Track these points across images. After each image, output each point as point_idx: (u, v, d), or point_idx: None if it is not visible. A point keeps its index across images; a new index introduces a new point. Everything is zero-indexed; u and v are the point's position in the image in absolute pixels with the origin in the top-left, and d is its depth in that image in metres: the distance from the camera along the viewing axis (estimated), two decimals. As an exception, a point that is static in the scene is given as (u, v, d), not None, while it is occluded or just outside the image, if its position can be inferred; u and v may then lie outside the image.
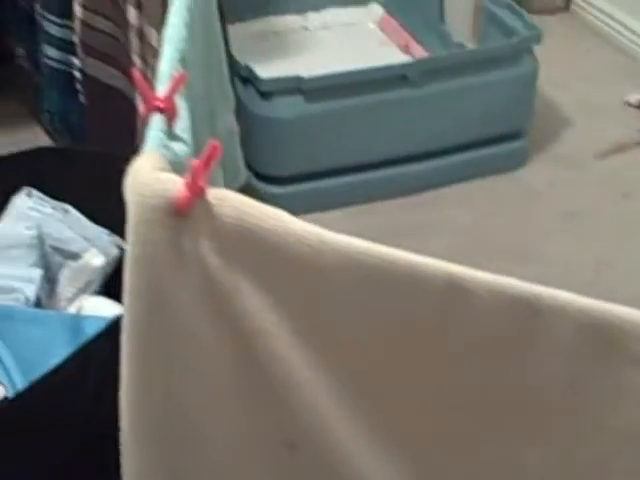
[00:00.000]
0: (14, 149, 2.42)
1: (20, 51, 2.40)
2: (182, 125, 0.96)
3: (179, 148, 0.93)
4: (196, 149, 1.10)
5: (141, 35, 1.66)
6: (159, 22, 1.55)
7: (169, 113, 0.94)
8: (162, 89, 0.97)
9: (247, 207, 0.81)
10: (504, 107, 2.35)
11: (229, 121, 1.44)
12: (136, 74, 0.92)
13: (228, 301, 0.83)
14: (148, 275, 0.84)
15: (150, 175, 0.83)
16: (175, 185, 0.82)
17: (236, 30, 2.74)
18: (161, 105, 0.93)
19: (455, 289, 0.79)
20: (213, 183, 1.19)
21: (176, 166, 0.92)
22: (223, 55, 1.40)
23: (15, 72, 2.52)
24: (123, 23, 1.72)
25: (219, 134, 1.38)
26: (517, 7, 2.46)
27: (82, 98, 1.98)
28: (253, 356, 0.85)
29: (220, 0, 1.45)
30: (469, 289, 0.79)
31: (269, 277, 0.82)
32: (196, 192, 0.81)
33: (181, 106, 0.97)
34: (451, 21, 2.73)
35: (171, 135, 0.94)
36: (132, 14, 1.66)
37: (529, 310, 0.79)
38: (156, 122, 0.92)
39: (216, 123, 1.33)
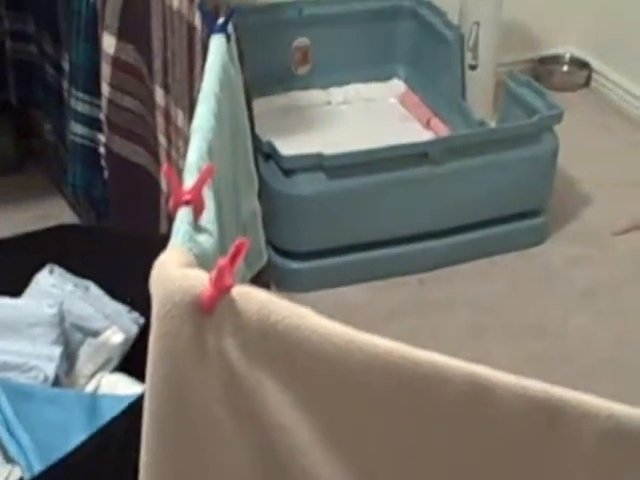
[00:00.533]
0: (39, 222, 2.47)
1: (47, 126, 2.44)
2: (208, 217, 0.98)
3: (205, 240, 0.94)
4: (222, 238, 1.11)
5: (167, 115, 1.68)
6: (185, 103, 1.58)
7: (196, 205, 0.95)
8: (190, 181, 0.99)
9: (271, 304, 0.82)
10: (524, 185, 2.37)
11: (253, 203, 1.46)
12: (166, 168, 0.94)
13: (249, 396, 0.83)
14: (170, 368, 0.84)
15: (176, 271, 0.85)
16: (201, 281, 0.83)
17: (259, 104, 2.76)
18: (188, 198, 0.94)
19: (479, 390, 0.79)
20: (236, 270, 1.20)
21: (202, 258, 0.93)
22: (249, 136, 1.42)
23: (42, 146, 2.56)
24: (149, 103, 1.75)
25: (243, 216, 1.40)
26: (538, 85, 2.48)
27: (106, 174, 2.00)
28: (273, 450, 0.85)
29: (246, 80, 1.47)
30: (493, 390, 0.79)
31: (292, 374, 0.83)
32: (221, 289, 0.82)
33: (207, 197, 0.99)
34: (472, 98, 2.75)
35: (197, 227, 0.95)
36: (159, 94, 1.69)
37: (553, 413, 0.79)
38: (183, 215, 0.93)
39: (241, 205, 1.35)
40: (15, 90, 2.53)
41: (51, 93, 2.32)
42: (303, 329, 0.81)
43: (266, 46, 2.78)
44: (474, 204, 2.33)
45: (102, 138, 1.99)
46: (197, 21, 1.48)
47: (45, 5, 2.20)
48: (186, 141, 1.61)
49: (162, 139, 1.73)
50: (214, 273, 0.82)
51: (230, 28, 1.31)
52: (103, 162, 2.01)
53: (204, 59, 1.46)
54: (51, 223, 2.46)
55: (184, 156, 1.63)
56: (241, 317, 0.82)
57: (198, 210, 0.96)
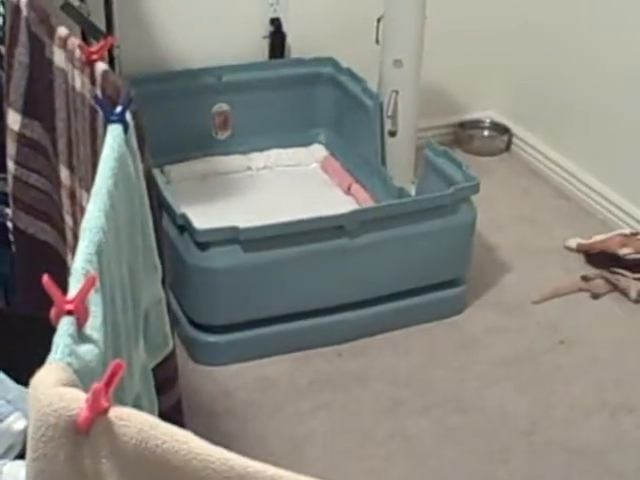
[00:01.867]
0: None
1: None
2: (93, 324, 0.95)
3: (88, 351, 0.92)
4: (114, 339, 1.09)
5: (72, 195, 1.65)
6: (90, 185, 1.54)
7: (79, 314, 0.93)
8: (75, 288, 0.96)
9: (151, 428, 0.79)
10: (442, 255, 2.37)
11: (156, 290, 1.43)
12: (45, 279, 0.92)
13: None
14: (47, 491, 0.82)
15: (51, 391, 0.82)
16: (77, 402, 0.81)
17: (178, 170, 2.76)
18: (71, 308, 0.92)
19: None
20: (127, 354, 1.17)
21: (85, 372, 0.90)
22: (150, 225, 1.39)
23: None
24: (55, 181, 1.72)
25: (145, 305, 1.37)
26: (455, 156, 2.49)
27: (14, 249, 1.95)
28: None
29: (149, 167, 1.44)
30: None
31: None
32: (97, 411, 0.80)
33: (94, 303, 0.96)
34: (392, 164, 2.76)
35: (81, 336, 0.93)
36: (64, 174, 1.66)
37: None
38: (63, 326, 0.91)
39: (141, 296, 1.32)
40: None
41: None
42: (183, 453, 0.79)
43: (186, 111, 2.77)
44: (392, 275, 2.33)
45: (9, 212, 1.94)
46: (95, 103, 1.45)
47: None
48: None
49: (68, 219, 1.70)
50: (89, 395, 0.79)
51: (128, 116, 1.29)
52: (11, 237, 1.96)
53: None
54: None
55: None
56: (118, 440, 0.80)
57: (82, 318, 0.93)
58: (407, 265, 2.33)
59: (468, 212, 2.39)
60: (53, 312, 0.92)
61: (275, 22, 2.87)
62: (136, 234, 1.30)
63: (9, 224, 1.96)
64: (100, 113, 1.44)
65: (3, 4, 1.77)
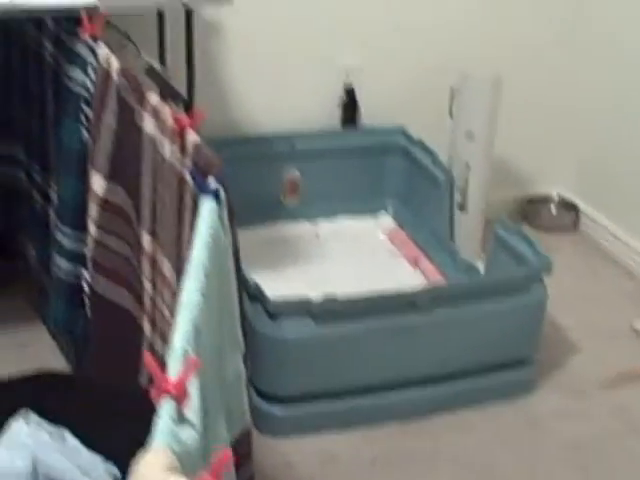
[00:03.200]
0: (15, 350, 2.42)
1: (31, 252, 2.40)
2: (193, 406, 0.94)
3: (188, 436, 0.90)
4: (206, 422, 1.07)
5: (153, 262, 1.65)
6: (172, 253, 1.55)
7: (180, 396, 0.92)
8: (174, 368, 0.95)
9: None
10: (511, 335, 2.33)
11: (238, 365, 1.41)
12: (147, 357, 0.91)
13: None
14: None
15: (159, 475, 0.81)
16: (183, 491, 0.79)
17: (246, 236, 2.75)
18: (172, 390, 0.91)
19: None
20: (214, 432, 1.15)
21: (185, 456, 0.89)
22: (236, 299, 1.38)
23: (25, 270, 2.52)
24: (136, 246, 1.72)
25: (228, 380, 1.36)
26: (527, 234, 2.46)
27: (89, 312, 1.96)
28: None
29: (236, 241, 1.44)
30: None
31: None
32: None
33: (193, 386, 0.95)
34: (460, 238, 2.74)
35: (181, 419, 0.91)
36: (146, 240, 1.66)
37: None
38: (166, 409, 0.89)
39: (225, 373, 1.31)
40: (1, 214, 2.51)
41: (37, 220, 2.29)
42: None
43: (257, 177, 2.78)
44: (460, 352, 2.29)
45: (86, 275, 1.95)
46: (189, 175, 1.46)
47: (36, 137, 2.19)
48: (171, 290, 1.58)
49: (147, 285, 1.70)
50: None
51: (221, 191, 1.29)
52: (86, 299, 1.97)
53: (194, 213, 1.44)
54: (28, 351, 2.43)
55: (169, 305, 1.60)
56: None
57: (183, 400, 0.92)
58: (476, 343, 2.30)
59: (539, 291, 2.35)
60: (154, 391, 0.91)
61: (349, 92, 2.88)
62: (224, 309, 1.29)
63: (85, 285, 1.97)
64: (189, 183, 1.45)
65: (94, 69, 1.79)
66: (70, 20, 1.89)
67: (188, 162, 1.45)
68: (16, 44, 2.24)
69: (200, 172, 1.34)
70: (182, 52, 2.26)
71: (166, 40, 2.41)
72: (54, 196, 2.13)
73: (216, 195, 1.27)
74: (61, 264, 2.00)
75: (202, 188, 1.27)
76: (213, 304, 1.17)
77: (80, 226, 1.92)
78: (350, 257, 2.82)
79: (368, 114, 2.92)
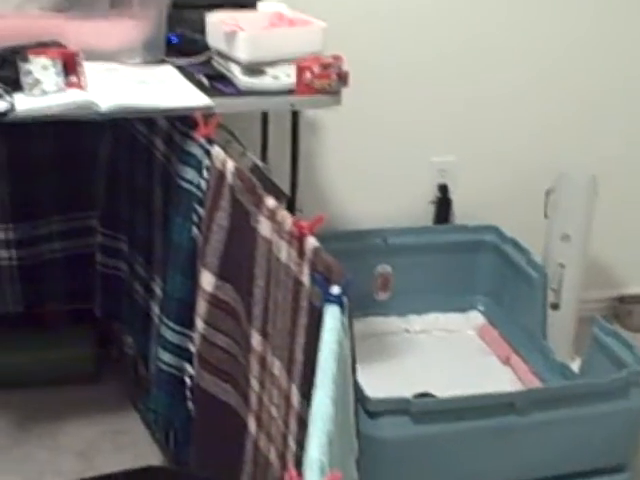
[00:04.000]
0: (109, 438, 2.45)
1: (128, 340, 2.45)
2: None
3: None
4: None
5: (263, 361, 1.67)
6: (284, 355, 1.57)
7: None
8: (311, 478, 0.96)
9: None
10: (609, 440, 2.29)
11: (353, 472, 1.42)
12: (292, 473, 0.92)
13: None
14: None
15: None
16: None
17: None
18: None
19: None
20: None
21: None
22: (352, 403, 1.39)
23: (120, 358, 2.57)
24: (244, 344, 1.74)
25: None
26: (625, 337, 2.44)
27: (190, 406, 1.98)
28: None
29: (353, 346, 1.45)
30: None
31: None
32: None
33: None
34: (553, 337, 2.72)
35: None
36: (256, 339, 1.68)
37: None
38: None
39: (346, 475, 1.31)
40: (101, 302, 2.56)
41: (137, 311, 2.34)
42: None
43: (350, 271, 2.79)
44: (557, 456, 2.26)
45: (189, 369, 1.98)
46: (305, 278, 1.48)
47: (141, 231, 2.24)
48: (281, 390, 1.60)
49: (254, 383, 1.71)
50: None
51: (344, 299, 1.31)
52: (188, 393, 1.99)
53: (309, 316, 1.46)
54: (122, 439, 2.46)
55: (277, 404, 1.61)
56: None
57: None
58: (572, 447, 2.26)
59: (638, 396, 2.32)
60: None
61: (443, 188, 2.91)
62: (345, 414, 1.30)
63: (187, 380, 2.00)
64: (306, 287, 1.47)
65: (208, 170, 1.84)
66: (184, 120, 1.94)
67: (305, 266, 1.48)
68: (125, 139, 2.31)
69: (323, 279, 1.36)
70: (281, 147, 2.31)
71: (269, 138, 2.47)
72: (158, 290, 2.17)
73: (339, 302, 1.29)
74: (164, 357, 2.03)
75: (326, 295, 1.29)
76: (339, 411, 1.19)
77: (186, 321, 1.95)
78: (440, 353, 2.81)
79: (461, 211, 2.94)
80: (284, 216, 1.56)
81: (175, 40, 2.19)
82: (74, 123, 1.88)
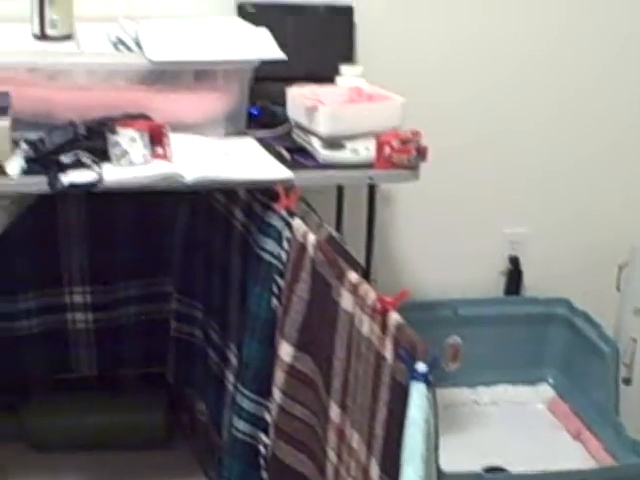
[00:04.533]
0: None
1: (201, 406, 2.47)
2: None
3: None
4: None
5: (341, 434, 1.67)
6: (364, 428, 1.57)
7: None
8: None
9: None
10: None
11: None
12: None
13: None
14: None
15: None
16: None
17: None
18: None
19: None
20: None
21: None
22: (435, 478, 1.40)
23: (191, 423, 2.59)
24: (322, 416, 1.75)
25: None
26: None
27: (264, 475, 1.99)
28: None
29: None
30: None
31: None
32: None
33: None
34: (625, 413, 2.69)
35: None
36: (334, 412, 1.69)
37: None
38: None
39: None
40: (174, 368, 2.59)
41: (210, 378, 2.36)
42: None
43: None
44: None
45: (264, 438, 1.99)
46: (388, 353, 1.49)
47: (217, 299, 2.27)
48: (360, 463, 1.60)
49: (332, 455, 1.72)
50: None
51: (430, 376, 1.32)
52: (262, 462, 2.00)
53: (392, 391, 1.47)
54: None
55: (354, 477, 1.62)
56: None
57: None
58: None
59: None
60: None
61: (514, 260, 2.92)
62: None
63: (261, 449, 2.01)
64: (388, 362, 1.48)
65: (288, 241, 1.87)
66: (264, 192, 1.98)
67: (388, 341, 1.49)
68: (203, 208, 2.35)
69: (408, 355, 1.37)
70: (355, 218, 2.34)
71: (344, 208, 2.50)
72: (232, 357, 2.19)
73: (426, 379, 1.30)
74: (239, 425, 2.04)
75: (412, 372, 1.30)
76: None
77: (262, 390, 1.97)
78: (509, 426, 2.79)
79: (532, 283, 2.94)
80: (366, 290, 1.57)
81: (255, 112, 2.24)
82: (154, 191, 1.93)
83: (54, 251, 2.55)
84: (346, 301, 1.64)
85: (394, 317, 1.49)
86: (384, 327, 1.51)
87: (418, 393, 1.27)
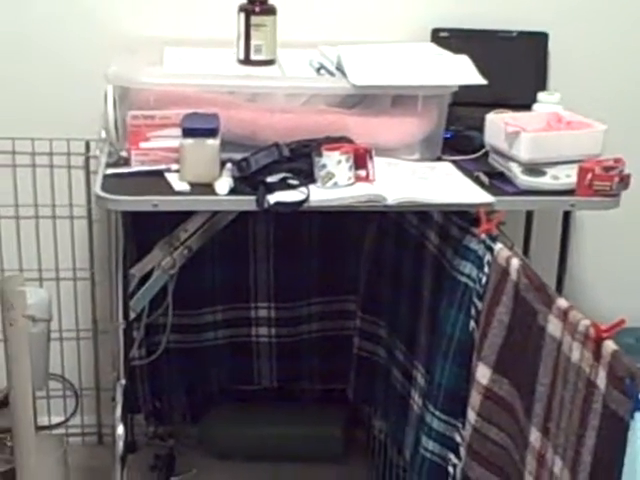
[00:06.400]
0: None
1: (378, 424, 2.50)
2: None
3: None
4: None
5: (541, 459, 1.68)
6: (569, 455, 1.57)
7: None
8: None
9: None
10: None
11: None
12: None
13: None
14: None
15: None
16: None
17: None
18: None
19: None
20: None
21: None
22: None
23: (367, 440, 2.63)
24: (520, 440, 1.76)
25: None
26: None
27: (455, 495, 2.01)
28: None
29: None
30: None
31: None
32: None
33: None
34: None
35: None
36: (534, 436, 1.70)
37: None
38: None
39: None
40: (354, 385, 2.64)
41: (393, 397, 2.39)
42: None
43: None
44: None
45: (454, 458, 2.01)
46: (600, 381, 1.49)
47: (404, 318, 2.30)
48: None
49: (529, 479, 1.72)
50: None
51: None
52: (451, 483, 2.02)
53: (602, 420, 1.47)
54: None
55: (555, 504, 1.61)
56: None
57: None
58: None
59: None
60: None
61: None
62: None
63: (450, 469, 2.03)
64: (600, 390, 1.48)
65: (489, 264, 1.88)
66: (462, 215, 2.00)
67: (601, 369, 1.49)
68: (391, 228, 2.39)
69: (632, 385, 1.36)
70: (543, 242, 2.33)
71: (533, 231, 2.50)
72: (419, 377, 2.22)
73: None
74: (428, 445, 2.07)
75: (637, 404, 1.30)
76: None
77: (454, 411, 1.99)
78: None
79: None
80: (577, 316, 1.58)
81: (448, 136, 2.26)
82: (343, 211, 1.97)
83: (244, 267, 2.64)
84: (553, 327, 1.64)
85: (609, 345, 1.49)
86: (597, 355, 1.51)
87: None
